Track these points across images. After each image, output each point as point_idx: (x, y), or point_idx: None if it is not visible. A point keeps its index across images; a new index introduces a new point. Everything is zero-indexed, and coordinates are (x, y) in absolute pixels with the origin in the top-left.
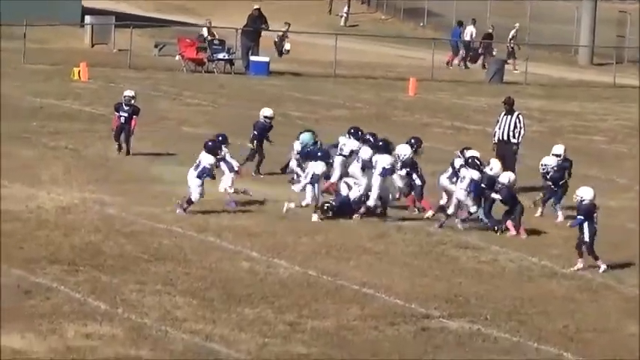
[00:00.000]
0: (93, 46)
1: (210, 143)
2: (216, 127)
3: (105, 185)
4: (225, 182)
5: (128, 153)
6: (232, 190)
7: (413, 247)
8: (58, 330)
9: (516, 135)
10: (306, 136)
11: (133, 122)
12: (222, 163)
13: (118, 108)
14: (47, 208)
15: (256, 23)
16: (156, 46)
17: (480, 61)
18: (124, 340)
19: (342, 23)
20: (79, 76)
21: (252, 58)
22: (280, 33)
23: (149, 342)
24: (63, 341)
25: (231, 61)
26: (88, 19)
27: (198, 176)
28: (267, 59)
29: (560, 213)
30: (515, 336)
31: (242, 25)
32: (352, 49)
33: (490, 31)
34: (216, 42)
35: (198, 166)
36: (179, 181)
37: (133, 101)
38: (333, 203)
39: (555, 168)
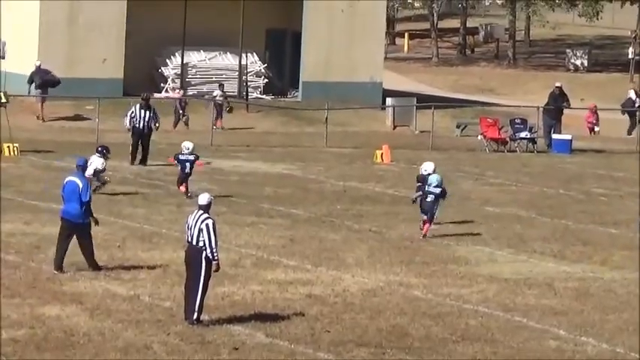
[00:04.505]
0: (394, 128)
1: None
2: (520, 206)
3: (410, 267)
4: None
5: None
6: None
7: None
8: None
9: None
10: (433, 177)
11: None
12: None
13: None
14: (353, 292)
15: (557, 101)
16: (457, 127)
17: None
18: None
19: None
20: (382, 158)
21: (555, 136)
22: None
23: None
24: None
25: (533, 140)
26: (389, 101)
27: None
28: (569, 137)
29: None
30: None
31: (543, 103)
32: None
33: None
34: (518, 121)
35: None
36: (484, 260)
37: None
38: None
39: None
